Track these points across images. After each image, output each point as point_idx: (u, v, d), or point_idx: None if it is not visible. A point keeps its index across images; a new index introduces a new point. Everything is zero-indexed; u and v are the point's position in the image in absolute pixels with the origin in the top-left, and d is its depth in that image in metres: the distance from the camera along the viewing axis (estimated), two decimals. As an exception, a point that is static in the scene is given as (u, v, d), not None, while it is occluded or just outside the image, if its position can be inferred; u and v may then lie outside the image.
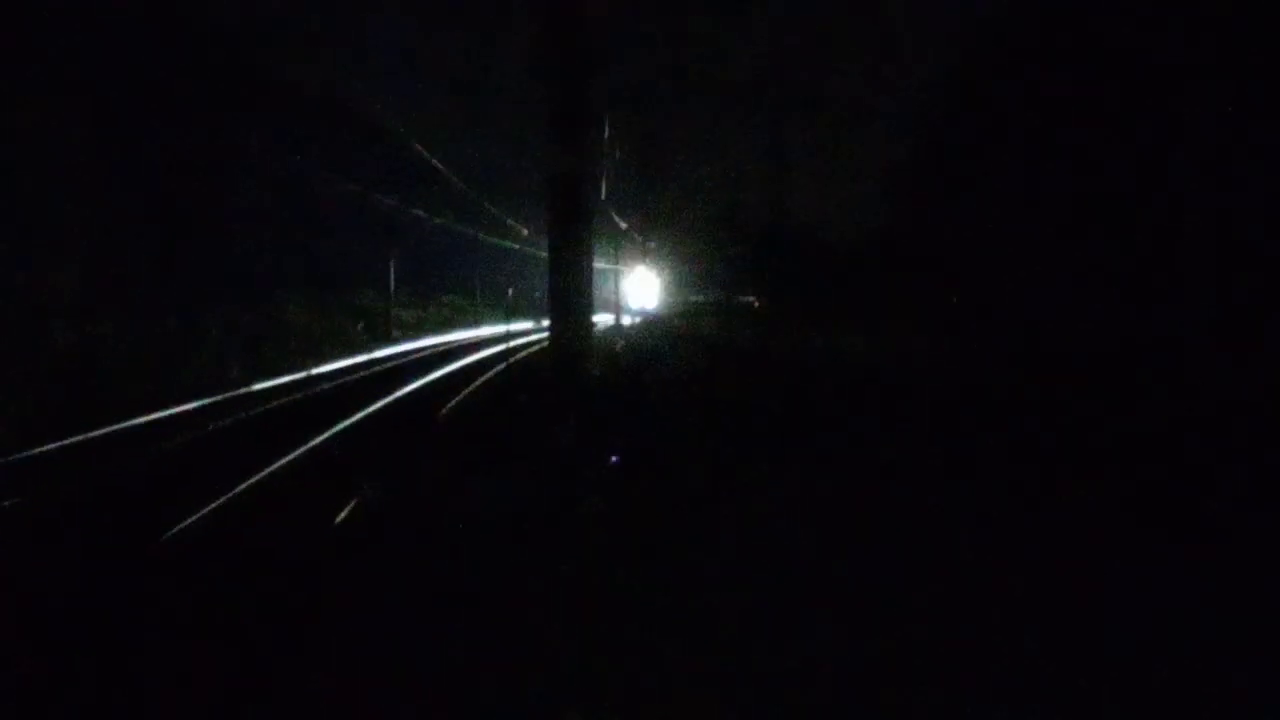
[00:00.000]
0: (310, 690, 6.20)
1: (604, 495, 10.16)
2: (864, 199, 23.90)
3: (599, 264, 43.51)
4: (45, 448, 15.22)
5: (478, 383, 26.36)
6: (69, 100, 27.77)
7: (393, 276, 48.92)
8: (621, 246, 38.34)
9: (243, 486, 12.14)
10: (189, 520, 10.33)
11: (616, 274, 43.62)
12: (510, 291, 40.81)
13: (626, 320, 41.10)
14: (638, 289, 42.64)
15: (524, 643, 6.67)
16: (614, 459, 12.17)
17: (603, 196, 25.42)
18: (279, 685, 6.30)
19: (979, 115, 19.67)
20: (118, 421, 18.04)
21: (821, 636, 6.62)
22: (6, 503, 11.37)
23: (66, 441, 15.84)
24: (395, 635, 6.92)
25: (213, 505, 11.02)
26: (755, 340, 25.72)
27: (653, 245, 30.88)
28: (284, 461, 14.05)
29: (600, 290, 51.65)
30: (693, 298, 38.17)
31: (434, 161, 36.48)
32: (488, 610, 7.30)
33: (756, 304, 29.65)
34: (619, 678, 6.03)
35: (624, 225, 26.79)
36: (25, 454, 14.69)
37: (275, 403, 22.09)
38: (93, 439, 16.46)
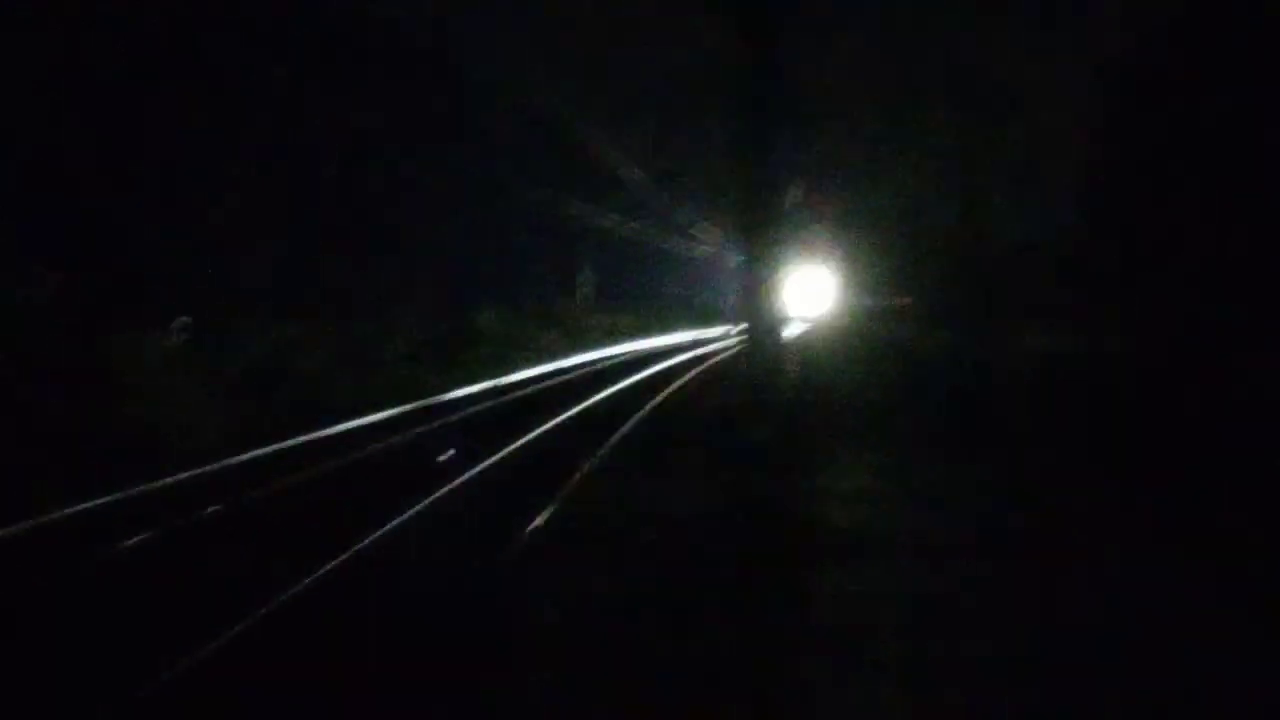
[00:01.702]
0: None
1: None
2: (1049, 197, 23.13)
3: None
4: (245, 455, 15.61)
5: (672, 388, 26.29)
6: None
7: (584, 283, 49.42)
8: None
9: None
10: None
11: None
12: (703, 295, 40.47)
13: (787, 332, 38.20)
14: (804, 289, 35.70)
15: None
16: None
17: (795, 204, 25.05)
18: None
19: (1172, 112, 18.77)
20: (309, 431, 18.40)
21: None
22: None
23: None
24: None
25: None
26: (952, 344, 24.96)
27: (824, 235, 28.80)
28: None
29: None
30: (864, 301, 35.50)
31: (631, 171, 36.60)
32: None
33: (903, 303, 28.78)
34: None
35: (796, 197, 25.04)
36: (225, 462, 15.05)
37: (472, 409, 22.37)
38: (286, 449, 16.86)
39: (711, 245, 43.34)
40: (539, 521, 11.00)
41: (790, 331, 26.54)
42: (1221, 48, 17.65)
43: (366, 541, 9.97)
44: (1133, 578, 8.14)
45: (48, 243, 24.45)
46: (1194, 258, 18.26)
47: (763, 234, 22.00)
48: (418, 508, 11.57)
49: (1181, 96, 18.43)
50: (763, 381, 19.93)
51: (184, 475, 13.85)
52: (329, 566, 9.07)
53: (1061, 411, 16.69)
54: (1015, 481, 12.19)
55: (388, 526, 10.61)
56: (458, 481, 13.34)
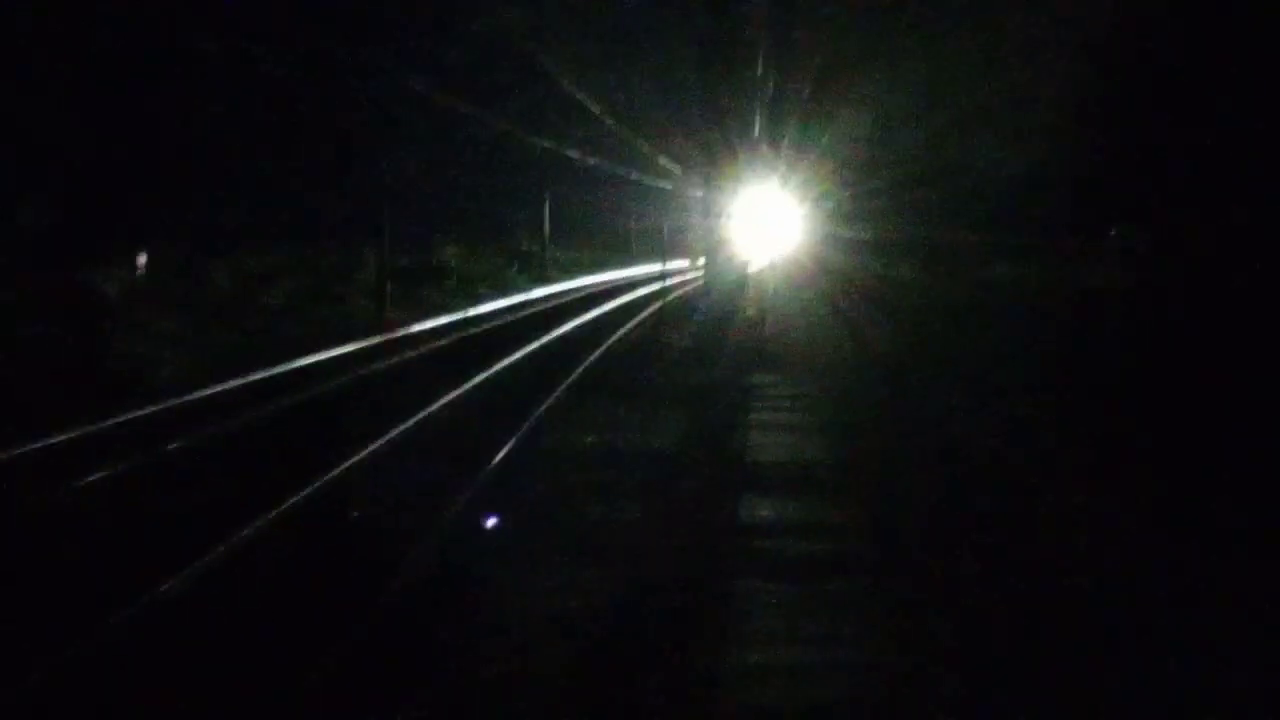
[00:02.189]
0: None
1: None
2: (1027, 131, 23.23)
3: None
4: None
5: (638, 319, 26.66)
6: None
7: (547, 219, 49.37)
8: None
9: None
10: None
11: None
12: (666, 230, 40.43)
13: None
14: (767, 221, 29.55)
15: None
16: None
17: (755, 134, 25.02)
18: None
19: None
20: (280, 364, 18.40)
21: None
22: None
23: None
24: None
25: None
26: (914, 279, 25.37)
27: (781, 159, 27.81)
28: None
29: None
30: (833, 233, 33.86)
31: (585, 99, 36.50)
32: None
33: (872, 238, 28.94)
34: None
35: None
36: (198, 394, 15.24)
37: (439, 342, 22.65)
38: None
39: (675, 180, 43.25)
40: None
41: (752, 268, 26.65)
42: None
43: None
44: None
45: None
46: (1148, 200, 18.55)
47: (726, 163, 22.30)
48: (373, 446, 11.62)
49: (1166, 43, 18.46)
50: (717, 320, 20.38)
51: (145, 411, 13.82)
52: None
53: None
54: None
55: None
56: (425, 412, 13.78)
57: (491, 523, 8.94)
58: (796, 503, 8.94)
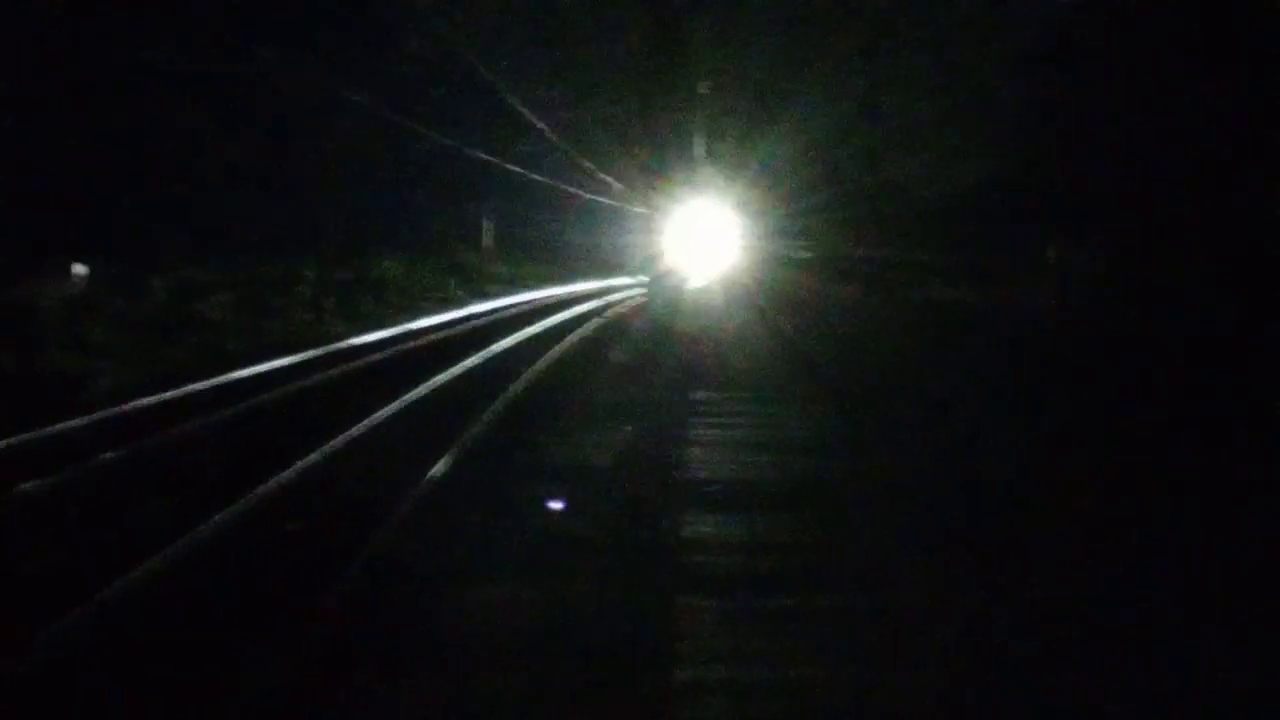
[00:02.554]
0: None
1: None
2: (963, 151, 23.48)
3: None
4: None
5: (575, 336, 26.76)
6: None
7: (485, 232, 49.51)
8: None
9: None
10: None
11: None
12: (605, 246, 40.72)
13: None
14: (708, 238, 31.37)
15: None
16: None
17: (699, 154, 25.30)
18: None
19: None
20: (216, 376, 18.40)
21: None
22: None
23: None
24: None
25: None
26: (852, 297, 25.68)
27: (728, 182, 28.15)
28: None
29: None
30: (772, 251, 34.30)
31: (527, 114, 36.65)
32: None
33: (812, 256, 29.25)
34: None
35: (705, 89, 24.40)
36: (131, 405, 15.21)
37: (376, 356, 22.58)
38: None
39: (616, 197, 43.53)
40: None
41: (691, 284, 26.93)
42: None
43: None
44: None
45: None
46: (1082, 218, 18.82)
47: (666, 183, 22.61)
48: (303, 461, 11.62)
49: (1097, 67, 18.67)
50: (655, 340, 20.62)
51: (84, 419, 13.78)
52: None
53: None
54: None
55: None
56: (367, 422, 13.87)
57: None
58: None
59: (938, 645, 5.95)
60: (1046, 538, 8.01)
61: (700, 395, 16.03)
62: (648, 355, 20.32)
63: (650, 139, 20.59)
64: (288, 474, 10.65)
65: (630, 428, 13.36)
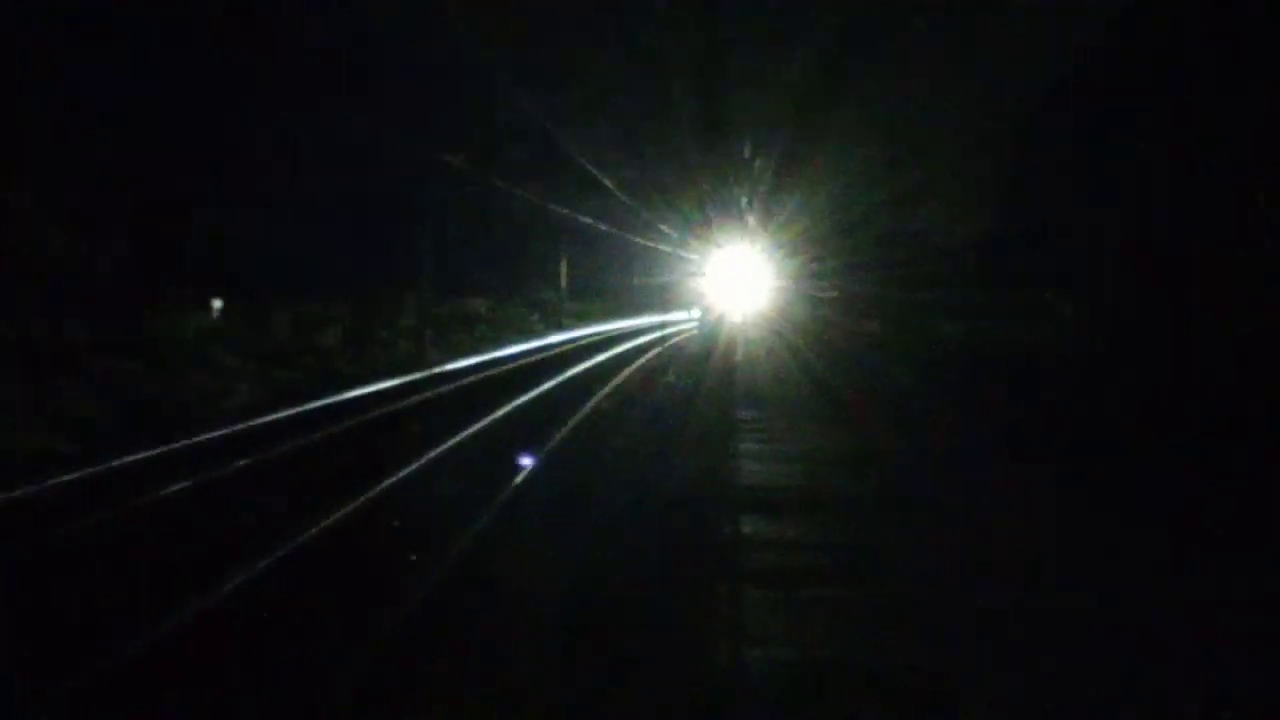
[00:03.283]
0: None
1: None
2: (969, 204, 23.16)
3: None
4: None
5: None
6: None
7: (563, 275, 49.85)
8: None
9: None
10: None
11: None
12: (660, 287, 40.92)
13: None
14: (748, 281, 30.60)
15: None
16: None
17: (741, 206, 25.28)
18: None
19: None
20: (330, 396, 18.59)
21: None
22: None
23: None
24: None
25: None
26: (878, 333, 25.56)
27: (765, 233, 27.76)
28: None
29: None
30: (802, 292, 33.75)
31: (595, 173, 36.95)
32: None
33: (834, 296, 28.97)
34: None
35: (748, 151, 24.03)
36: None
37: (472, 378, 22.84)
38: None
39: (669, 244, 43.67)
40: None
41: (731, 319, 26.88)
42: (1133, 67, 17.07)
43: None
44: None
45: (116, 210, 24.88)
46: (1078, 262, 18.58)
47: (711, 231, 22.68)
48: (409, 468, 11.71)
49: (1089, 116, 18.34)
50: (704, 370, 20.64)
51: (209, 435, 13.91)
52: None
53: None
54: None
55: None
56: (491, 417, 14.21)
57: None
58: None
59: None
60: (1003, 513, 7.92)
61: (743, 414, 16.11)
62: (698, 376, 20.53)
63: (697, 194, 20.60)
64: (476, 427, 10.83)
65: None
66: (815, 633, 5.44)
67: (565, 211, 43.57)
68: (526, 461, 11.97)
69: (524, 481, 10.97)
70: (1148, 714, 4.57)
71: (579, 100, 37.41)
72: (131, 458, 11.62)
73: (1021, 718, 4.57)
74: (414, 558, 8.17)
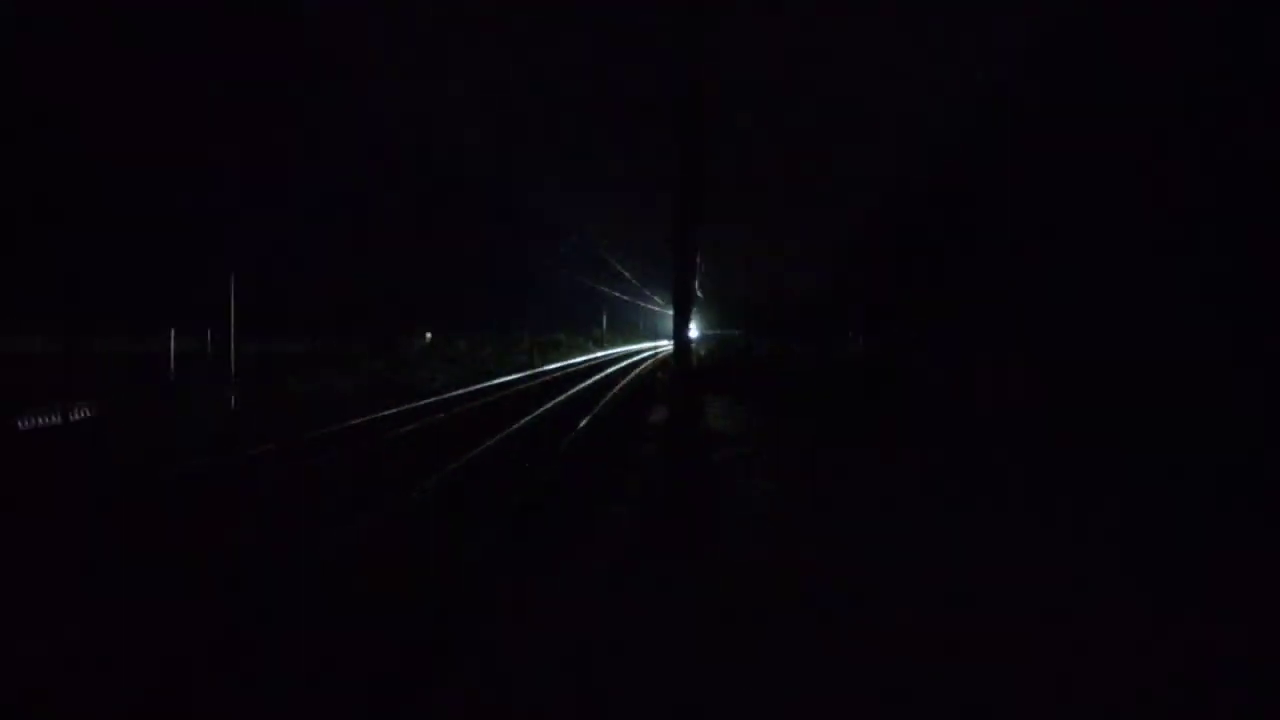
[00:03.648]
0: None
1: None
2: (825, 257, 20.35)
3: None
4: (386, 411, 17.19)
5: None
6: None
7: (605, 320, 51.37)
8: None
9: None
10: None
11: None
12: (640, 325, 42.34)
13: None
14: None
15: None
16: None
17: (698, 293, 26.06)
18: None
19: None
20: (488, 380, 19.40)
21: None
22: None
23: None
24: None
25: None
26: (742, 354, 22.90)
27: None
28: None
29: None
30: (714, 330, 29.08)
31: (613, 263, 38.91)
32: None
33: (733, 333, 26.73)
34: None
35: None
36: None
37: (558, 373, 23.66)
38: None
39: (656, 302, 45.76)
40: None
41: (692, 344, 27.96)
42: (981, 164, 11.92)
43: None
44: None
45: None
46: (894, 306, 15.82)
47: (682, 296, 23.72)
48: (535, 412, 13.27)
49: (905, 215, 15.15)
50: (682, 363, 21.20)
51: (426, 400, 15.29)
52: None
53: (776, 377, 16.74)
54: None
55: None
56: (561, 396, 15.55)
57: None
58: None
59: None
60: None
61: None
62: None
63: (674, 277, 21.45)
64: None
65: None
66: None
67: (604, 289, 45.89)
68: (605, 398, 13.45)
69: (602, 407, 12.27)
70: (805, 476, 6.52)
71: (618, 217, 39.36)
72: (397, 408, 12.57)
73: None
74: (558, 430, 9.75)
